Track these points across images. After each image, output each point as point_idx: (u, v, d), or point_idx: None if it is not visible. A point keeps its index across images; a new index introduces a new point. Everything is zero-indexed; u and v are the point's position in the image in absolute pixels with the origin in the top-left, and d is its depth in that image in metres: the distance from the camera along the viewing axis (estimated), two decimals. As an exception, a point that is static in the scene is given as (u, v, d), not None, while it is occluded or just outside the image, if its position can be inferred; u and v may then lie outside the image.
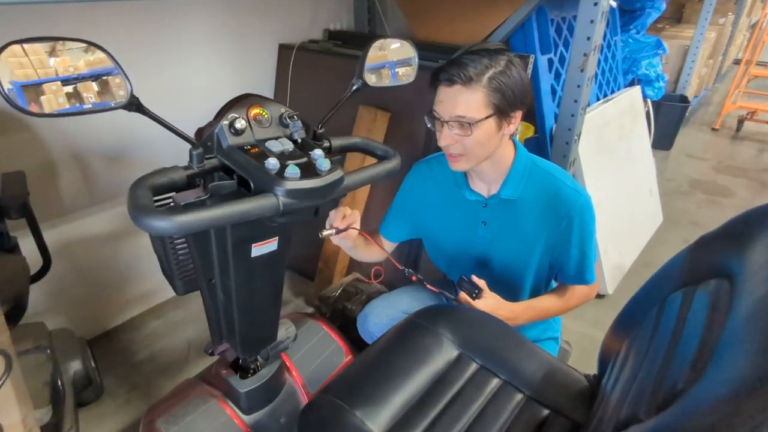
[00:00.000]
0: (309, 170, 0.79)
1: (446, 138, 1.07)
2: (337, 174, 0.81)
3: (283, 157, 0.79)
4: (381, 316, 1.43)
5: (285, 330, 1.24)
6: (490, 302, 1.14)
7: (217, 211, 0.70)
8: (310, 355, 1.38)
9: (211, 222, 0.70)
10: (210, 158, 0.81)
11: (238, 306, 1.04)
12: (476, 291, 1.13)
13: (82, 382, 1.57)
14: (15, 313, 1.20)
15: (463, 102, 1.01)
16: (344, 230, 1.05)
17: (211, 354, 1.21)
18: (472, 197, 1.22)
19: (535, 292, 1.31)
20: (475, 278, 1.14)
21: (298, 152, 0.83)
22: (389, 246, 1.42)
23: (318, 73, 2.09)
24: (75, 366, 1.55)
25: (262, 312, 1.10)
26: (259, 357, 1.21)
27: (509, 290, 1.27)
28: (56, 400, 1.40)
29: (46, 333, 1.53)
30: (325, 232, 1.05)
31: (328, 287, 2.05)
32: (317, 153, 0.82)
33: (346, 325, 1.85)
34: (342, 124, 2.04)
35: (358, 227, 1.08)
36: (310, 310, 2.21)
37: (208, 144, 0.82)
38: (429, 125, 1.12)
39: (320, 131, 0.95)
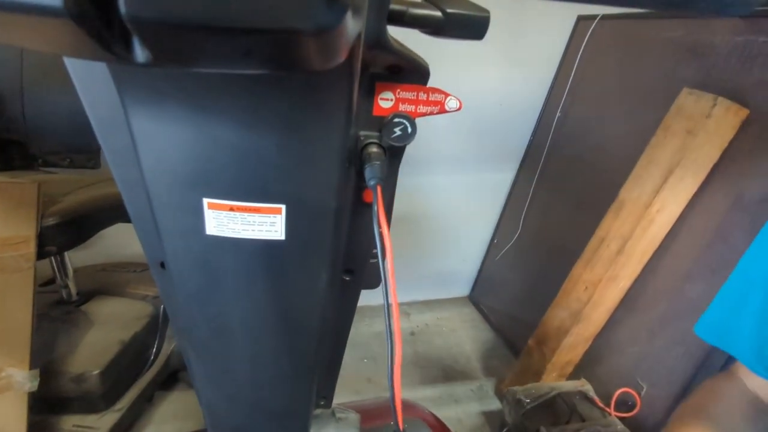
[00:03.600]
0: None
1: None
2: None
3: None
4: None
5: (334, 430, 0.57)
6: None
7: None
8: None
9: None
10: None
11: (193, 341, 0.45)
12: None
13: (182, 361, 1.27)
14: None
15: None
16: None
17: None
18: None
19: None
20: None
21: None
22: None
23: (621, 51, 1.30)
24: (181, 336, 1.26)
25: (257, 375, 0.48)
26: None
27: None
28: (122, 366, 1.11)
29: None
30: None
31: (528, 384, 1.23)
32: None
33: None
34: (642, 115, 1.20)
35: None
36: (496, 406, 1.42)
37: None
38: None
39: None
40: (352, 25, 0.21)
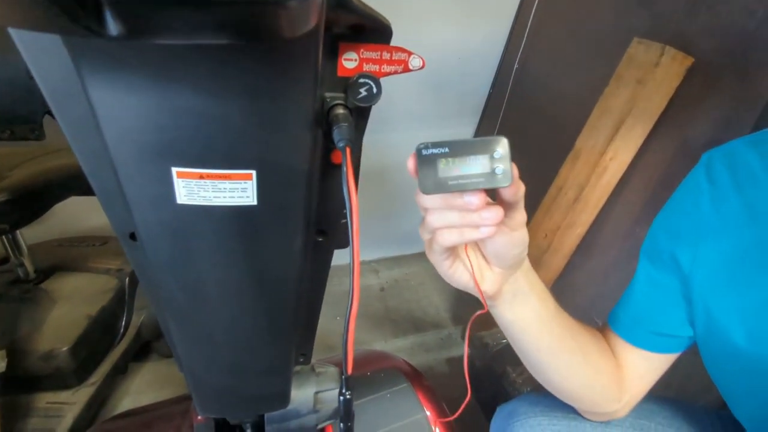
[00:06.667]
0: None
1: None
2: None
3: None
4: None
5: (315, 388, 0.59)
6: None
7: None
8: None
9: None
10: None
11: (171, 309, 0.45)
12: None
13: (153, 331, 1.26)
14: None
15: None
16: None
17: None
18: None
19: None
20: None
21: None
22: (638, 363, 0.57)
23: (576, 1, 1.31)
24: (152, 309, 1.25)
25: (237, 337, 0.49)
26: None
27: None
28: (92, 340, 1.10)
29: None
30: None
31: (494, 328, 1.30)
32: None
33: (493, 402, 1.08)
34: (598, 65, 1.23)
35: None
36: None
37: None
38: None
39: None
40: None
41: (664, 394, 0.80)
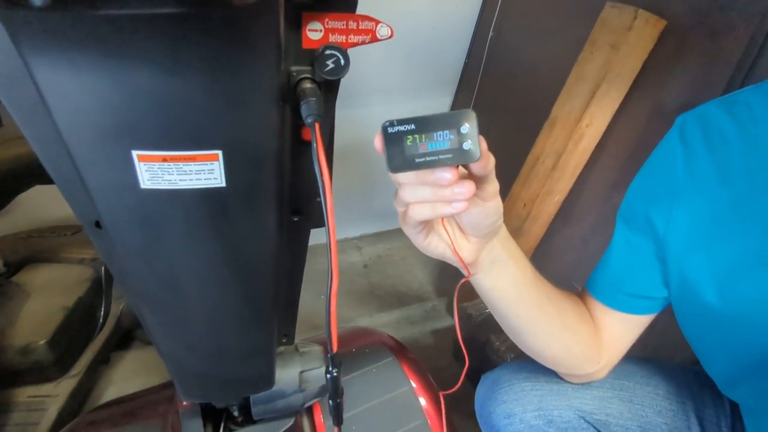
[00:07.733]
0: None
1: None
2: None
3: None
4: (526, 406, 0.66)
5: (300, 368, 0.59)
6: None
7: None
8: (367, 423, 0.71)
9: None
10: None
11: (144, 297, 0.44)
12: None
13: (133, 320, 1.24)
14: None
15: None
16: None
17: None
18: None
19: None
20: None
21: None
22: (615, 325, 0.58)
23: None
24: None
25: (215, 322, 0.48)
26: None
27: None
28: (71, 331, 1.08)
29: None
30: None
31: (477, 299, 1.31)
32: None
33: (478, 371, 1.11)
34: (572, 31, 1.22)
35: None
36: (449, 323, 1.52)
37: None
38: None
39: None
40: None
41: (641, 354, 0.82)
